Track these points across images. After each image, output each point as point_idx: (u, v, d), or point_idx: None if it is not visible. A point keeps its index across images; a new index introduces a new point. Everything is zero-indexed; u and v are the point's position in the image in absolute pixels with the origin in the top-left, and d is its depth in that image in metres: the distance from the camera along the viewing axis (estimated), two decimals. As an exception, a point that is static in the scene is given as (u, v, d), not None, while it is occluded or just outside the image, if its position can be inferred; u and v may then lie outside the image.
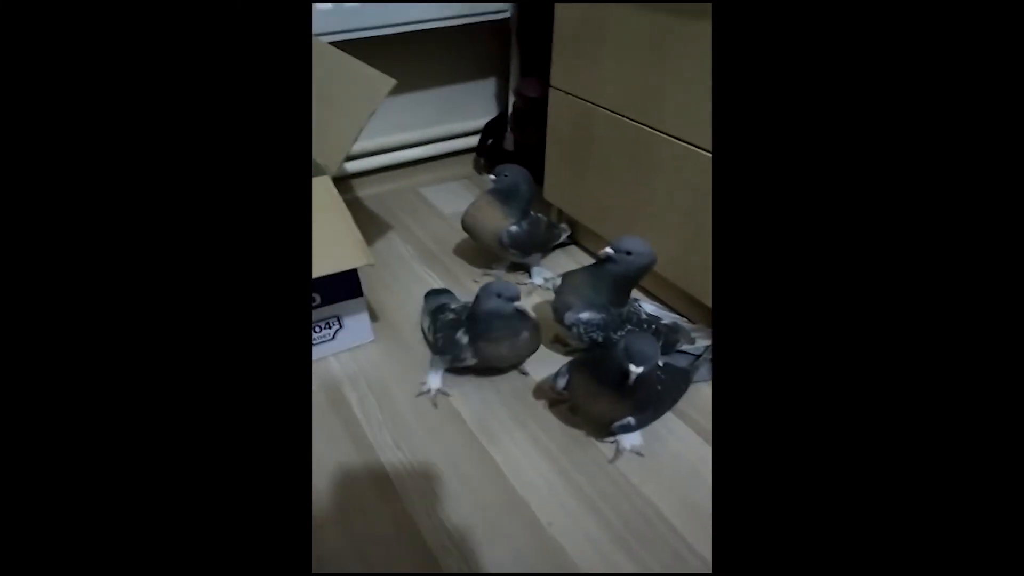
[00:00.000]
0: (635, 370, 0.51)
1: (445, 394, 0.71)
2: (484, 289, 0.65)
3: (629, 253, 0.62)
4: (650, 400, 0.58)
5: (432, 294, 0.82)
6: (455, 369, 0.73)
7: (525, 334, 0.67)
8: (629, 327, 0.67)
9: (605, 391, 0.57)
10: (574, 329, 0.67)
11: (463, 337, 0.66)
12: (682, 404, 0.68)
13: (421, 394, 0.70)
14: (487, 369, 0.73)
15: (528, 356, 0.71)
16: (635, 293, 0.77)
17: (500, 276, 0.92)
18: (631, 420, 0.58)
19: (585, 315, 0.66)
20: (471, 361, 0.68)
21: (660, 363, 0.62)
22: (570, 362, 0.62)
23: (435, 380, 0.71)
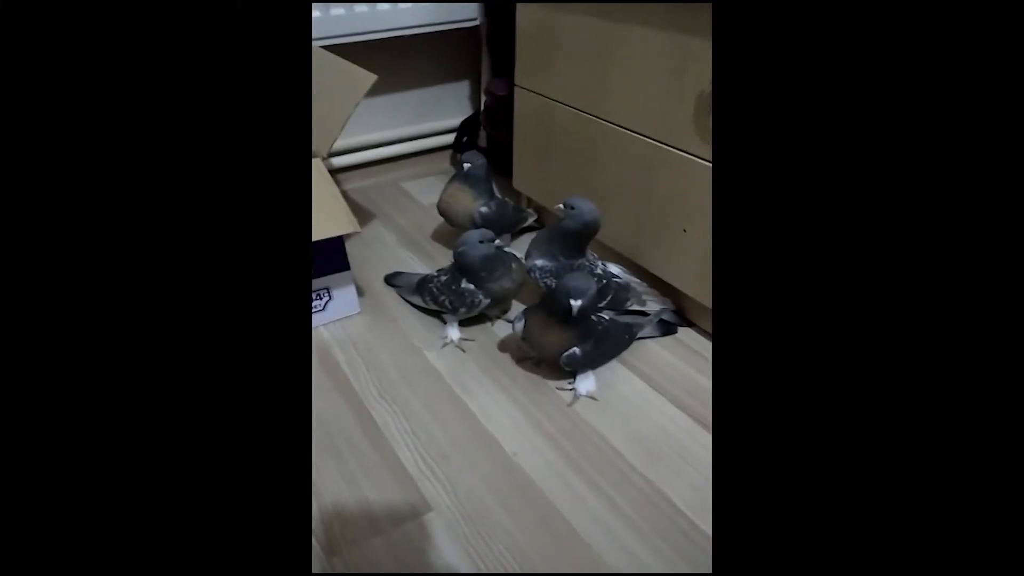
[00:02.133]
0: (575, 303, 0.61)
1: (467, 340, 0.81)
2: (464, 243, 0.75)
3: (572, 208, 0.75)
4: (591, 332, 0.68)
5: (393, 276, 0.92)
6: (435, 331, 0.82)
7: (513, 264, 0.78)
8: None
9: (553, 325, 0.67)
10: (532, 274, 0.80)
11: (468, 285, 0.76)
12: (630, 357, 0.78)
13: (445, 345, 0.80)
14: (478, 318, 0.84)
15: (522, 282, 0.81)
16: (606, 257, 0.86)
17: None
18: (576, 350, 0.68)
19: (539, 262, 0.79)
20: (485, 303, 0.77)
21: (606, 316, 0.72)
22: (524, 309, 0.73)
23: (454, 332, 0.81)
